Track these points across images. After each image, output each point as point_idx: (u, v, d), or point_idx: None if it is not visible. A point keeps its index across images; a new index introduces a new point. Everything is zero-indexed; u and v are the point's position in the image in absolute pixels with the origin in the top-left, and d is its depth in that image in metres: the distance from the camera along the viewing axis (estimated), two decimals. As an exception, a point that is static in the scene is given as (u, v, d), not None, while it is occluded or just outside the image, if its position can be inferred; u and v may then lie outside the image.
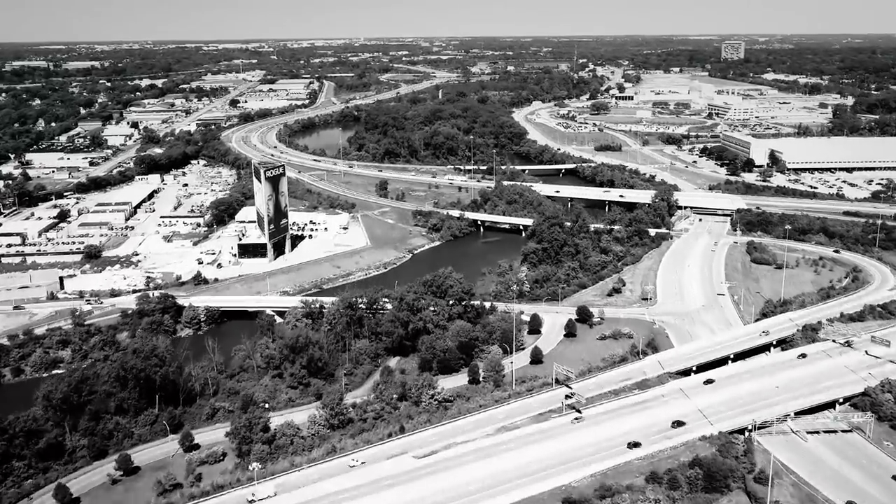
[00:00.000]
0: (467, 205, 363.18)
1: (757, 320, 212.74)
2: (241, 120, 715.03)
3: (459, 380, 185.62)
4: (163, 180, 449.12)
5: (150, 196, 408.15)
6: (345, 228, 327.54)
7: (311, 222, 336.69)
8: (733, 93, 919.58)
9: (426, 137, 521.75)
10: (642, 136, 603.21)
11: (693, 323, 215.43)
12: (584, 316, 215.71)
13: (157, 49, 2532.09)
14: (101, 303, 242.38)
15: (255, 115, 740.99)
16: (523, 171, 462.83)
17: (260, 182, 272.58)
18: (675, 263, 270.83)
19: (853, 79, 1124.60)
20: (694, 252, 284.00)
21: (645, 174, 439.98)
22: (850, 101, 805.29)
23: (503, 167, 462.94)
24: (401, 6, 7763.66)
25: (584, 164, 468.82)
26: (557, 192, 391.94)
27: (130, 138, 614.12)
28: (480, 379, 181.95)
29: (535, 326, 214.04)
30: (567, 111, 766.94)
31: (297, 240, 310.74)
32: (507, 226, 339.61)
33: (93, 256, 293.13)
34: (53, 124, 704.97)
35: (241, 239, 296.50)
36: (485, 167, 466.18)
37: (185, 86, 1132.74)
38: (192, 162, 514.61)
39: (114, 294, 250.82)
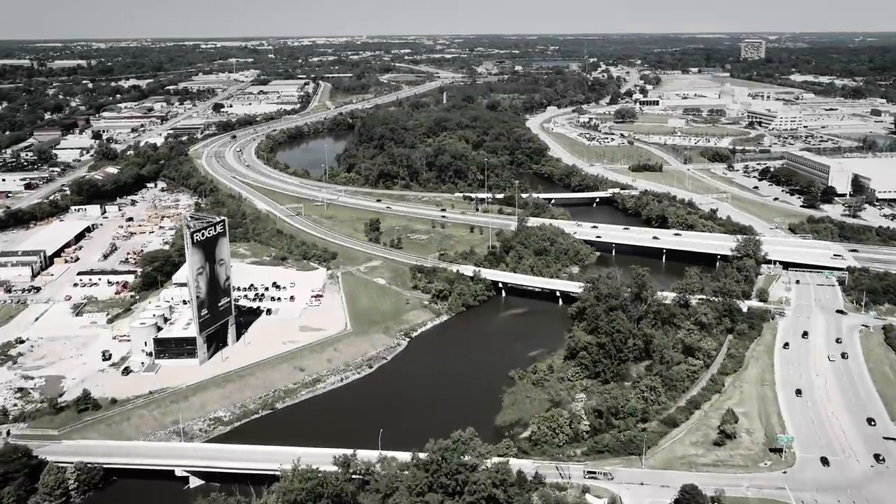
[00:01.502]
0: (483, 257, 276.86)
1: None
2: (220, 129, 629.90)
3: None
4: (104, 212, 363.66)
5: (81, 236, 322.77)
6: (317, 297, 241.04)
7: (274, 286, 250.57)
8: (768, 97, 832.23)
9: (429, 156, 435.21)
10: (681, 151, 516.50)
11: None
12: None
13: (154, 47, 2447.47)
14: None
15: (236, 122, 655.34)
16: (549, 200, 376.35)
17: (189, 246, 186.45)
18: (794, 371, 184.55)
19: (888, 80, 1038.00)
20: (815, 347, 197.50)
21: (700, 204, 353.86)
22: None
23: (524, 194, 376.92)
24: (404, 3, 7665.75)
25: (622, 192, 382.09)
26: (599, 236, 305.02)
27: (88, 152, 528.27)
28: None
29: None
30: (588, 119, 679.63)
31: (250, 316, 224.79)
32: (537, 288, 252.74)
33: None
34: (8, 133, 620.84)
35: (167, 319, 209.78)
36: (501, 195, 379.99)
37: (171, 87, 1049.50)
38: (149, 186, 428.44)
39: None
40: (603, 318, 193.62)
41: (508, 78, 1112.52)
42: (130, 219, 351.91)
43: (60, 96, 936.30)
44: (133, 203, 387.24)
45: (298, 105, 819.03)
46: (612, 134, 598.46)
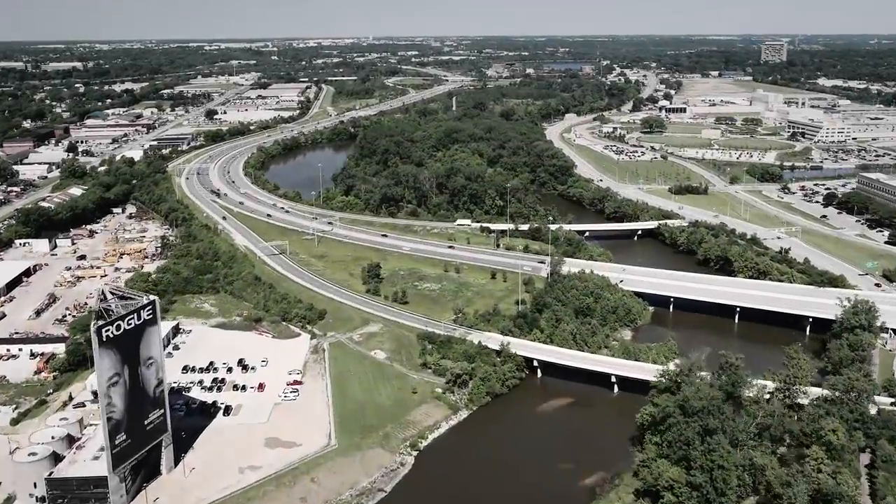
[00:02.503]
0: (511, 319, 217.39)
1: None
2: (209, 139, 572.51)
3: None
4: (54, 247, 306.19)
5: (18, 281, 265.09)
6: (295, 384, 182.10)
7: (240, 364, 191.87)
8: (803, 104, 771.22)
9: (440, 176, 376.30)
10: (723, 168, 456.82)
11: None
12: None
13: (156, 49, 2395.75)
14: None
15: (227, 132, 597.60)
16: (582, 233, 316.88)
17: (97, 348, 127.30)
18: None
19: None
20: None
21: (765, 240, 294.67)
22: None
23: (552, 224, 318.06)
24: (410, 4, 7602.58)
25: (669, 224, 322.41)
26: (656, 292, 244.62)
27: (58, 167, 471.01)
28: None
29: None
30: (612, 128, 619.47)
31: (202, 418, 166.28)
32: (583, 367, 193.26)
33: None
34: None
35: (74, 440, 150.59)
36: (525, 225, 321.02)
37: (166, 91, 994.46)
38: (115, 211, 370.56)
39: None
40: (697, 446, 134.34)
41: (521, 82, 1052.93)
42: (83, 257, 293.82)
43: (47, 101, 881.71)
44: (91, 234, 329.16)
45: (297, 111, 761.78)
46: (642, 146, 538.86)
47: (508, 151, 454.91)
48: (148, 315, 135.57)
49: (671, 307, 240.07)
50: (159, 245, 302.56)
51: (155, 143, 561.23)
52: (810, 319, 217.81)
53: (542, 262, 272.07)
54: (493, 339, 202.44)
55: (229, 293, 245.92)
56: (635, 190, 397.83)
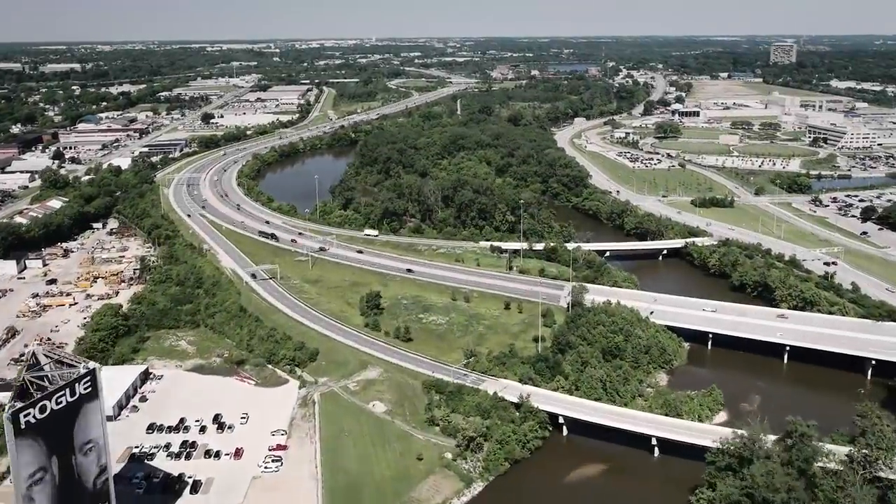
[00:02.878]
0: (532, 362, 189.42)
1: None
2: (203, 146, 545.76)
3: None
4: (23, 269, 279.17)
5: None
6: (279, 449, 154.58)
7: (215, 422, 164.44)
8: (820, 107, 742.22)
9: (445, 188, 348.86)
10: (745, 177, 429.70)
11: None
12: None
13: (158, 50, 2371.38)
14: None
15: (222, 137, 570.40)
16: (602, 254, 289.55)
17: (12, 439, 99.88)
18: None
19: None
20: None
21: (804, 261, 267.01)
22: None
23: (569, 243, 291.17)
24: (414, 5, 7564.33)
25: (697, 242, 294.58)
26: (692, 326, 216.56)
27: (40, 176, 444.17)
28: None
29: None
30: (624, 133, 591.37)
31: (165, 496, 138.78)
32: (615, 425, 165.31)
33: None
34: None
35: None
36: (540, 244, 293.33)
37: (164, 93, 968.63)
38: (95, 226, 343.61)
39: None
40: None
41: (526, 84, 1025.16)
42: (53, 281, 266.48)
43: (41, 104, 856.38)
44: (66, 254, 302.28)
45: (297, 115, 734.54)
46: (657, 153, 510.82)
47: (518, 160, 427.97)
48: (85, 388, 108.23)
49: (709, 344, 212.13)
50: (138, 267, 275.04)
51: (146, 149, 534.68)
52: (873, 362, 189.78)
53: (561, 289, 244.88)
54: (510, 389, 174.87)
55: (210, 327, 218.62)
56: (655, 202, 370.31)
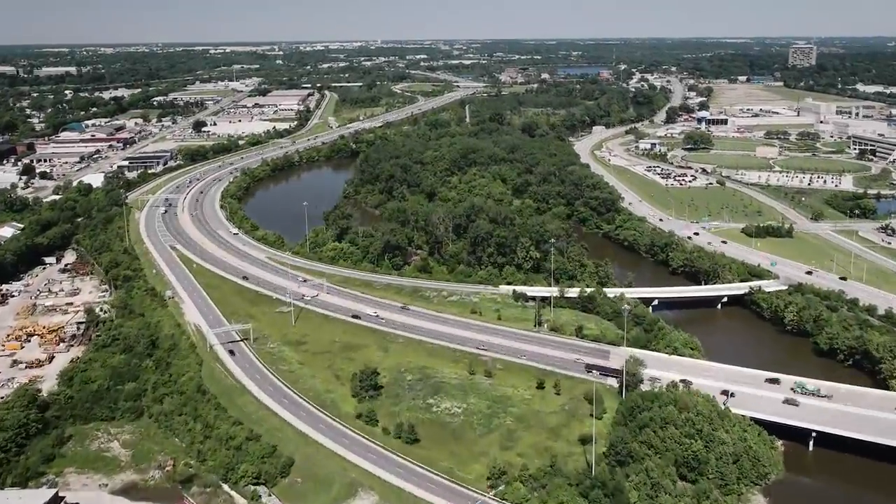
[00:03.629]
0: (582, 484, 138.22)
1: None
2: (188, 158, 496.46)
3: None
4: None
5: None
6: None
7: None
8: (857, 114, 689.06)
9: (457, 216, 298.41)
10: (796, 198, 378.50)
11: None
12: None
13: (161, 52, 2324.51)
14: None
15: (210, 149, 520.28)
16: (649, 303, 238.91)
17: None
18: None
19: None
20: None
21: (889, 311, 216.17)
22: None
23: (609, 288, 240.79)
24: (419, 7, 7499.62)
25: (763, 287, 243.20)
26: (788, 421, 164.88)
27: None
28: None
29: None
30: (649, 144, 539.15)
31: None
32: None
33: None
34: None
35: None
36: (573, 289, 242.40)
37: (159, 98, 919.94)
38: (47, 261, 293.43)
39: None
40: None
41: (538, 88, 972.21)
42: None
43: (28, 110, 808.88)
44: (3, 299, 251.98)
45: (295, 122, 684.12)
46: (690, 168, 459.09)
47: (538, 178, 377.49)
48: None
49: (811, 444, 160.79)
50: (83, 321, 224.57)
51: (126, 162, 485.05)
52: None
53: (606, 356, 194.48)
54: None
55: (156, 419, 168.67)
56: (699, 230, 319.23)
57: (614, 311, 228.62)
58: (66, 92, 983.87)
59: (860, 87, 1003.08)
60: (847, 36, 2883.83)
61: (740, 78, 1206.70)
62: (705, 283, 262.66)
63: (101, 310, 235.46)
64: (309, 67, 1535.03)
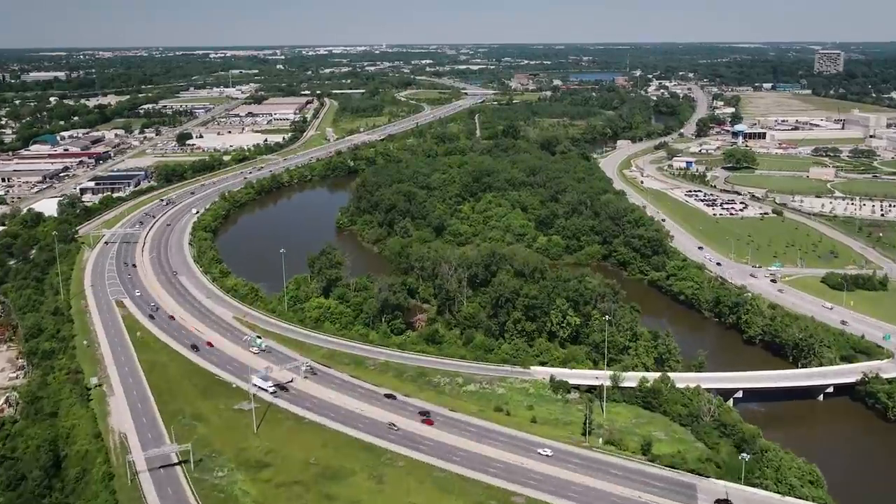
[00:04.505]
0: None
1: None
2: (164, 178, 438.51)
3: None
4: None
5: None
6: None
7: None
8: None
9: (474, 265, 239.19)
10: (873, 234, 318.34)
11: None
12: None
13: (159, 56, 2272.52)
14: None
15: (189, 168, 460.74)
16: (728, 396, 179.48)
17: None
18: None
19: None
20: None
21: None
22: None
23: (670, 369, 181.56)
24: (424, 11, 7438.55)
25: (880, 374, 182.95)
26: None
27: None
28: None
29: None
30: (685, 163, 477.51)
31: None
32: None
33: None
34: None
35: None
36: (629, 373, 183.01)
37: (147, 105, 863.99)
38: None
39: None
40: None
41: (551, 96, 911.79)
42: None
43: (4, 119, 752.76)
44: None
45: (290, 134, 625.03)
46: (738, 193, 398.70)
47: (566, 208, 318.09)
48: None
49: None
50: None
51: (92, 183, 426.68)
52: None
53: (690, 491, 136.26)
54: None
55: None
56: (765, 277, 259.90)
57: (689, 411, 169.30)
58: (52, 99, 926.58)
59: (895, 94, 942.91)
60: (863, 41, 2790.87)
61: (765, 85, 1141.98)
62: (793, 359, 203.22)
63: (7, 401, 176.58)
64: (310, 73, 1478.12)
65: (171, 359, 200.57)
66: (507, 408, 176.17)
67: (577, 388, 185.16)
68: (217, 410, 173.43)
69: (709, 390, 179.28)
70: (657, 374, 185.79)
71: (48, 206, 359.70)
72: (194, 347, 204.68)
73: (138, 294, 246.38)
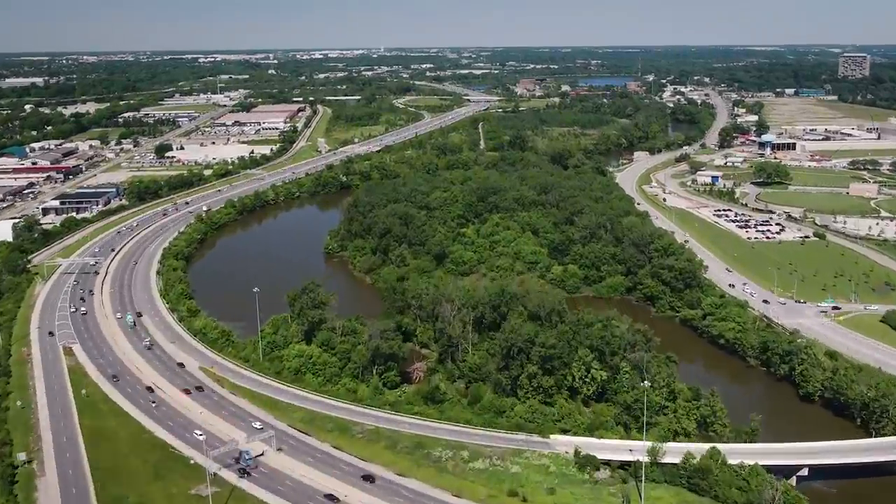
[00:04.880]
0: None
1: None
2: (136, 197, 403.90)
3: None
4: None
5: None
6: None
7: None
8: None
9: (480, 305, 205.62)
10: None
11: None
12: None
13: (147, 61, 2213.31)
14: None
15: (165, 184, 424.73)
16: (793, 474, 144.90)
17: None
18: None
19: None
20: None
21: None
22: None
23: (718, 439, 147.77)
24: (425, 13, 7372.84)
25: None
26: None
27: None
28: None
29: None
30: (710, 178, 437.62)
31: None
32: None
33: None
34: None
35: None
36: (677, 452, 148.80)
37: (128, 114, 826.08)
38: None
39: None
40: None
41: (560, 103, 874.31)
42: None
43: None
44: None
45: (278, 145, 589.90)
46: (771, 211, 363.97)
47: (582, 232, 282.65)
48: None
49: None
50: None
51: (56, 202, 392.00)
52: None
53: None
54: None
55: None
56: (816, 315, 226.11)
57: (748, 498, 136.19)
58: (27, 107, 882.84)
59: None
60: (884, 44, 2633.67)
61: (787, 91, 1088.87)
62: (862, 421, 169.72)
63: None
64: (304, 78, 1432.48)
65: (121, 424, 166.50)
66: (524, 492, 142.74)
67: (607, 463, 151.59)
68: (169, 497, 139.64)
69: (767, 468, 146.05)
70: (704, 446, 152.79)
71: (2, 230, 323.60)
72: (149, 389, 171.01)
73: (90, 341, 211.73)
